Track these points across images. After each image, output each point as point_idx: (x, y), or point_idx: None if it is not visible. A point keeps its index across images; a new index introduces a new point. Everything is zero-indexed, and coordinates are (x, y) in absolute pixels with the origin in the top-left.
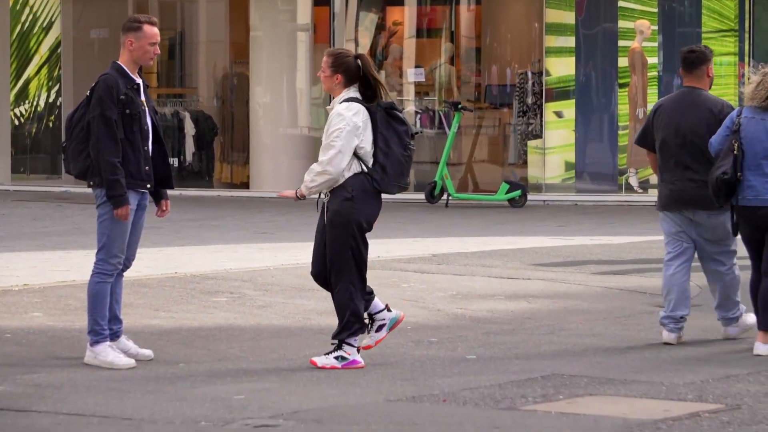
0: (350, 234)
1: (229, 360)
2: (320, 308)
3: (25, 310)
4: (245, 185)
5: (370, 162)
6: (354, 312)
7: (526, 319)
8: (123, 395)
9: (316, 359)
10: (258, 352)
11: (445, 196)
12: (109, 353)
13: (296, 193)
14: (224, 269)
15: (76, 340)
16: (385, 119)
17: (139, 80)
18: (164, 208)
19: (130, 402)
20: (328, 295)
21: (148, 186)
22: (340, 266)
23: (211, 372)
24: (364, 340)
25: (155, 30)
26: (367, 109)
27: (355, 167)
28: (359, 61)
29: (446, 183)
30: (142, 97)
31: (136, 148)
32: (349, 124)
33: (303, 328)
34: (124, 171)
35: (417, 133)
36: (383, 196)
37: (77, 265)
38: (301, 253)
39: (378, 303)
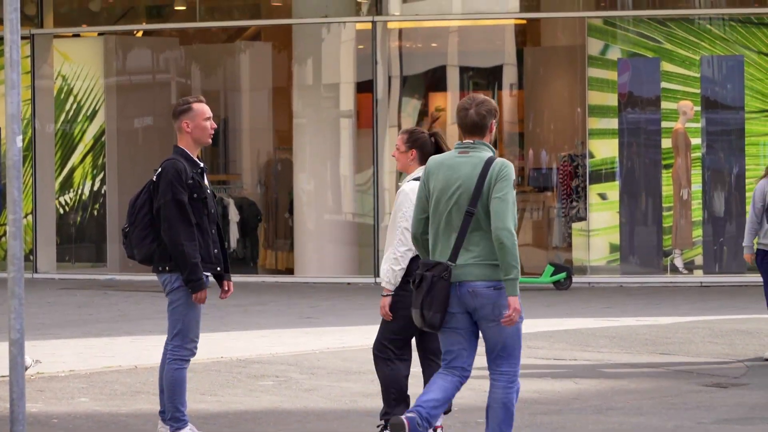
0: (399, 317)
1: None
2: (367, 390)
3: (71, 395)
4: (290, 271)
5: None
6: (395, 389)
7: (572, 399)
8: None
9: None
10: None
11: None
12: None
13: (383, 303)
14: (270, 353)
15: (122, 425)
16: None
17: (202, 164)
18: (227, 289)
19: None
20: (374, 377)
21: (218, 268)
22: (383, 347)
23: None
24: None
25: (206, 106)
26: None
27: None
28: (434, 138)
29: None
30: (206, 181)
31: (205, 231)
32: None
33: (350, 411)
34: None
35: None
36: None
37: (122, 351)
38: (346, 337)
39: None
